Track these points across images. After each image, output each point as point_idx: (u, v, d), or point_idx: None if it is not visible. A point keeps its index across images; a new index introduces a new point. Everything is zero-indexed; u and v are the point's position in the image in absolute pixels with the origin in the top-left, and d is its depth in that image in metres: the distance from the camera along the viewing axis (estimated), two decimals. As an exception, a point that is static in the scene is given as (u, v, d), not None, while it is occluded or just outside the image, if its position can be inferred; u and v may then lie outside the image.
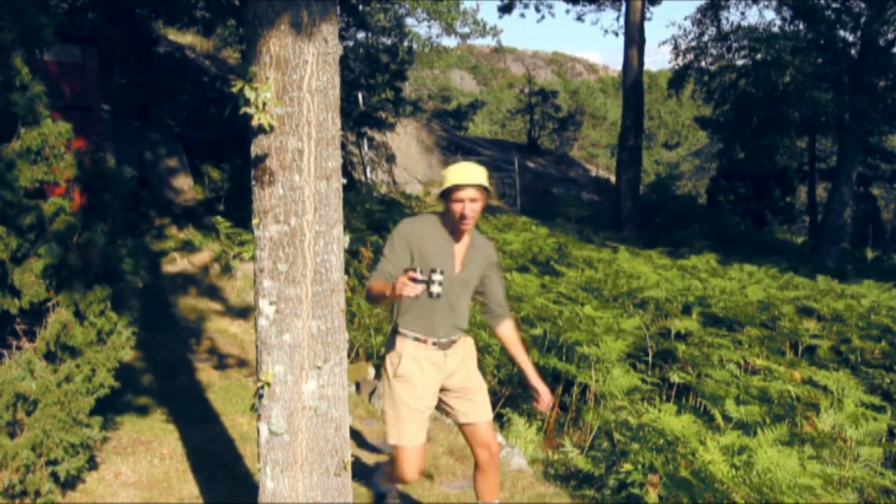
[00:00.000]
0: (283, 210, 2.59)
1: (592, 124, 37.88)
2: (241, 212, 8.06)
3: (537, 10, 21.00)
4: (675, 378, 5.09)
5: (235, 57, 15.12)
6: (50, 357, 3.45)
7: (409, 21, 19.36)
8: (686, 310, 7.08)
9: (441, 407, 3.24)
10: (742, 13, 36.76)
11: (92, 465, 3.89)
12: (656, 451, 3.67)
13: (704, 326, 6.48)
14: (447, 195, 2.95)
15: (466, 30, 19.59)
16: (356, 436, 4.78)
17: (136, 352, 5.14)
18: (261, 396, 2.73)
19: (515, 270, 8.06)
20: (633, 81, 16.93)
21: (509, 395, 5.33)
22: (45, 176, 3.35)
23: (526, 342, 5.15)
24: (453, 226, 3.00)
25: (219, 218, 8.04)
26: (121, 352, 3.59)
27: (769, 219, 21.52)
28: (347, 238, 2.83)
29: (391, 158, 17.33)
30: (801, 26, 17.96)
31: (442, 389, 3.17)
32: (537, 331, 5.70)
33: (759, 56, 17.92)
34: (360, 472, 3.96)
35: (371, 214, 10.44)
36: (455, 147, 20.12)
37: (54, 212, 3.37)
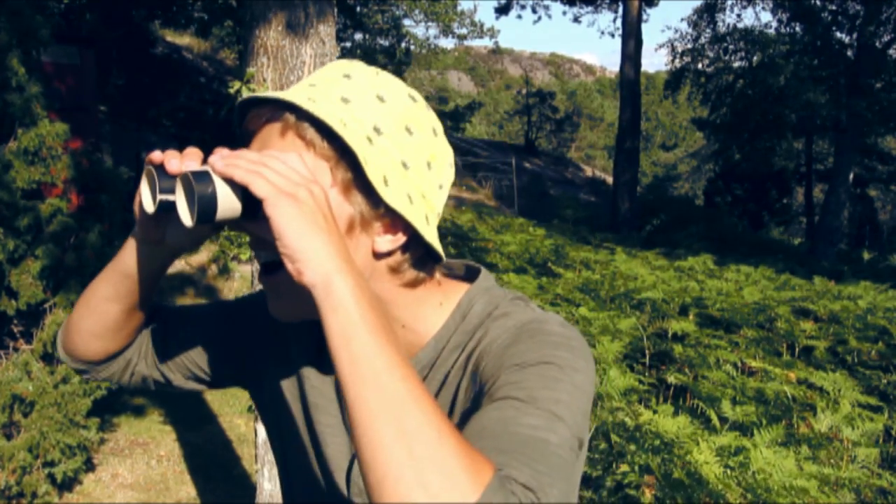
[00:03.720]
0: (281, 211, 2.60)
1: (590, 125, 37.92)
2: (238, 213, 8.06)
3: (534, 11, 21.04)
4: (672, 379, 5.09)
5: (233, 58, 15.11)
6: (47, 358, 3.45)
7: (407, 22, 19.42)
8: (683, 311, 7.08)
9: None
10: (738, 15, 36.63)
11: (89, 466, 3.89)
12: (653, 453, 3.68)
13: (701, 327, 6.48)
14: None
15: (464, 31, 19.67)
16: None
17: (133, 353, 5.13)
18: (258, 397, 2.73)
19: (512, 272, 8.07)
20: (630, 83, 16.94)
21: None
22: (42, 177, 3.35)
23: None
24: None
25: None
26: (118, 353, 3.59)
27: (766, 220, 21.58)
28: (345, 239, 2.83)
29: (389, 159, 17.30)
30: (797, 28, 18.01)
31: None
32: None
33: (755, 58, 17.98)
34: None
35: (369, 215, 10.43)
36: (453, 148, 20.17)
37: (51, 213, 3.37)
